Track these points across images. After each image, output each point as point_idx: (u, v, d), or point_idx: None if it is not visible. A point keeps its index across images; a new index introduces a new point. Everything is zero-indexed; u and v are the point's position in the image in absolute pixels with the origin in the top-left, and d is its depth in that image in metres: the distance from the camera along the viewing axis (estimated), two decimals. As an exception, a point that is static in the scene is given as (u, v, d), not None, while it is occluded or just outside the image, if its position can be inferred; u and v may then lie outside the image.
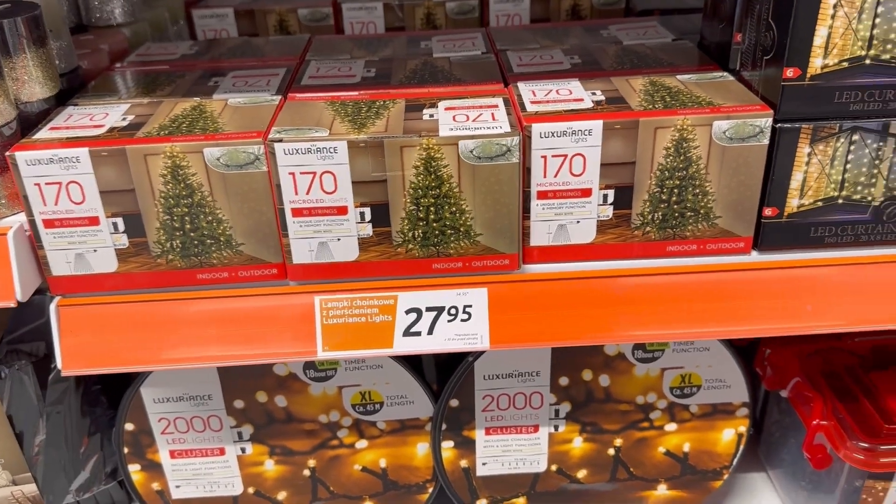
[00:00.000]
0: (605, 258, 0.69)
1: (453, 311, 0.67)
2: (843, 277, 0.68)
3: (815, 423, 0.81)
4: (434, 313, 0.67)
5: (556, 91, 0.69)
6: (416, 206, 0.65)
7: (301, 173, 0.63)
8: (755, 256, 0.69)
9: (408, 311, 0.67)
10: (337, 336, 0.67)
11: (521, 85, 0.71)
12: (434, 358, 0.92)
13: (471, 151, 0.62)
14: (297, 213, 0.65)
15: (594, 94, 0.68)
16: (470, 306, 0.67)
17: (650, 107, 0.65)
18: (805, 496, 0.92)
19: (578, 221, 0.67)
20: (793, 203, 0.67)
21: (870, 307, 0.68)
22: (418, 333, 0.67)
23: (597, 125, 0.63)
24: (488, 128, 0.62)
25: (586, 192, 0.66)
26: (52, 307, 0.66)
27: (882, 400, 0.83)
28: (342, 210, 0.65)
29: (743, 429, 0.87)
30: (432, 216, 0.65)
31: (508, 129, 0.62)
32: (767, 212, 0.67)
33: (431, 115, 0.66)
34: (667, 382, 0.84)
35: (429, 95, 0.71)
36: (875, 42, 0.61)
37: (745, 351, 0.95)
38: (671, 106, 0.65)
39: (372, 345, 0.67)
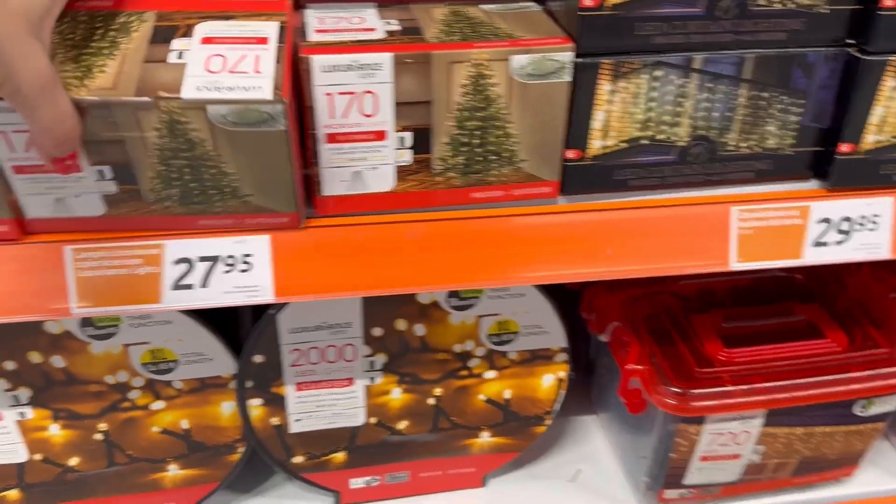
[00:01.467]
0: (407, 207, 0.64)
1: (230, 260, 0.61)
2: (645, 221, 0.65)
3: (628, 367, 0.80)
4: (208, 263, 0.60)
5: (348, 19, 0.62)
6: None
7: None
8: (561, 201, 0.66)
9: (177, 262, 0.60)
10: (97, 290, 0.59)
11: (309, 11, 0.64)
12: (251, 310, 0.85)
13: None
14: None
15: (389, 23, 0.62)
16: (251, 255, 0.61)
17: (446, 39, 0.59)
18: (629, 438, 0.93)
19: (375, 168, 0.61)
20: (596, 145, 0.63)
21: (671, 250, 0.66)
22: (189, 286, 0.60)
23: (386, 58, 0.57)
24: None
25: (380, 135, 0.60)
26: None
27: (698, 343, 0.84)
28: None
29: (563, 374, 0.85)
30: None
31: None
32: (570, 154, 0.64)
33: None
34: (484, 330, 0.81)
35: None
36: (676, -29, 0.58)
37: (576, 296, 0.94)
38: (470, 38, 0.59)
39: (134, 300, 0.59)
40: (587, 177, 0.64)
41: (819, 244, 0.69)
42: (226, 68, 0.55)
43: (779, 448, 0.85)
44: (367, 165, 0.61)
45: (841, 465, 0.91)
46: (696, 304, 0.92)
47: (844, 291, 0.93)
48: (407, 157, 0.61)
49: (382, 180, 0.62)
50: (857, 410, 0.84)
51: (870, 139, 0.65)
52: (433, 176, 0.63)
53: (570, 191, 0.65)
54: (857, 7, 0.61)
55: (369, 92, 0.58)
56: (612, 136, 0.63)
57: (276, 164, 0.57)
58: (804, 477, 0.90)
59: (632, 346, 0.82)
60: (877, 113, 0.64)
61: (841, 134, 0.65)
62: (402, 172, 0.62)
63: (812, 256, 0.69)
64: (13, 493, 0.80)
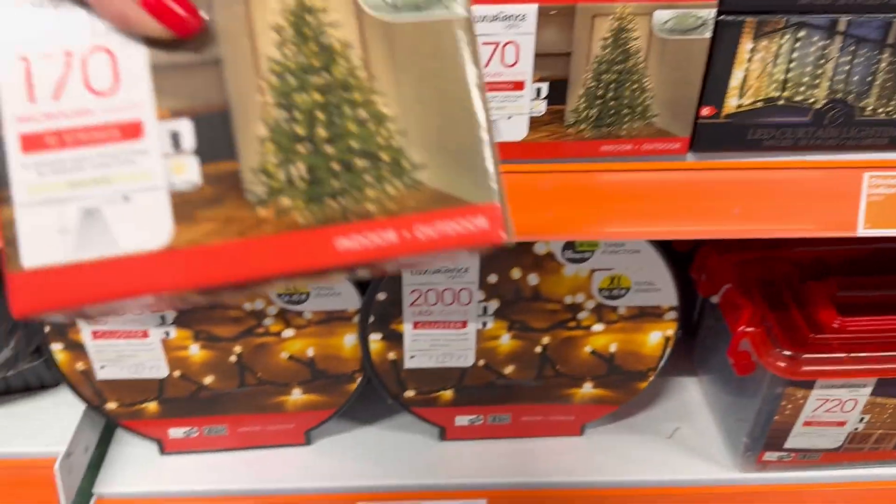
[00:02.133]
0: (537, 157, 0.66)
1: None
2: (775, 182, 0.66)
3: (740, 329, 0.81)
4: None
5: (493, -31, 0.64)
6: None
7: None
8: (689, 158, 0.67)
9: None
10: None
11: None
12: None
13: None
14: None
15: (533, -26, 0.63)
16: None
17: (590, -9, 0.60)
18: (730, 400, 0.94)
19: (510, 117, 0.64)
20: (731, 103, 0.64)
21: (799, 213, 0.66)
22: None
23: (531, 10, 0.59)
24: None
25: (519, 85, 0.62)
26: None
27: (812, 309, 0.84)
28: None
29: (671, 332, 0.87)
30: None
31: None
32: (705, 111, 0.64)
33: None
34: (596, 283, 0.83)
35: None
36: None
37: (686, 257, 0.95)
38: (613, -8, 0.60)
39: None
40: (720, 135, 0.65)
41: (953, 215, 0.67)
42: None
43: (885, 419, 0.85)
44: (502, 114, 0.63)
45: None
46: (811, 272, 0.91)
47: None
48: (541, 107, 0.63)
49: (515, 130, 0.64)
50: (974, 388, 0.83)
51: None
52: (565, 127, 0.65)
53: (700, 148, 0.66)
54: None
55: (511, 42, 0.60)
56: (748, 94, 0.64)
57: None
58: (909, 452, 0.90)
59: (744, 308, 0.83)
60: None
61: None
62: (535, 123, 0.64)
63: (946, 227, 0.68)
64: (152, 405, 0.88)
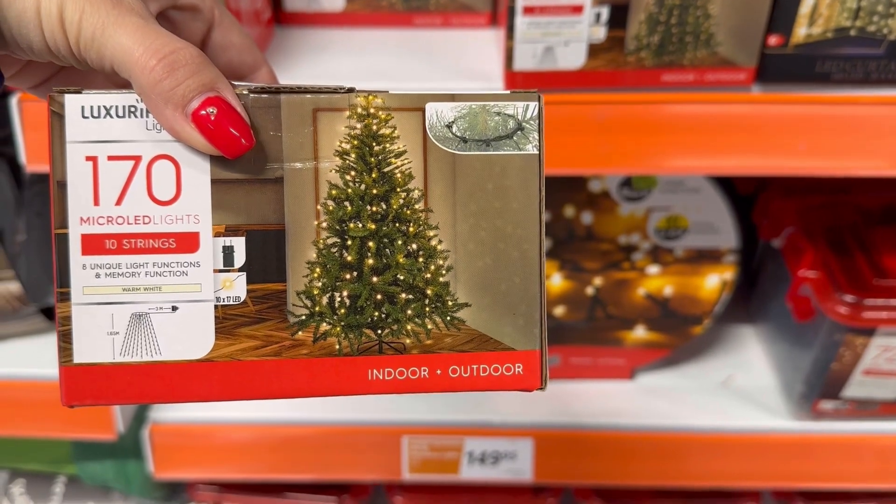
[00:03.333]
0: (595, 86, 0.64)
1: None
2: (844, 118, 0.63)
3: (801, 273, 0.78)
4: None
5: None
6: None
7: None
8: (755, 90, 0.64)
9: None
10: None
11: None
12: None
13: None
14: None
15: None
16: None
17: (655, -89, 0.58)
18: (788, 348, 0.92)
19: (567, 43, 0.62)
20: (800, 32, 0.61)
21: (867, 151, 0.64)
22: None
23: (592, -72, 0.57)
24: None
25: (577, 9, 0.60)
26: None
27: (877, 255, 0.81)
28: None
29: (729, 276, 0.85)
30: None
31: None
32: (772, 40, 0.62)
33: None
34: (652, 224, 0.81)
35: None
36: None
37: (748, 201, 0.92)
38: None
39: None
40: (787, 66, 0.62)
41: None
42: None
43: None
44: (559, 41, 0.62)
45: None
46: (878, 219, 0.88)
47: None
48: (601, 33, 0.62)
49: (573, 57, 0.63)
50: None
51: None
52: (625, 55, 0.63)
53: (766, 79, 0.64)
54: None
55: (571, -35, 0.58)
56: (819, 23, 0.61)
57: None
58: (975, 407, 0.86)
59: (806, 251, 0.80)
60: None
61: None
62: (594, 50, 0.62)
63: None
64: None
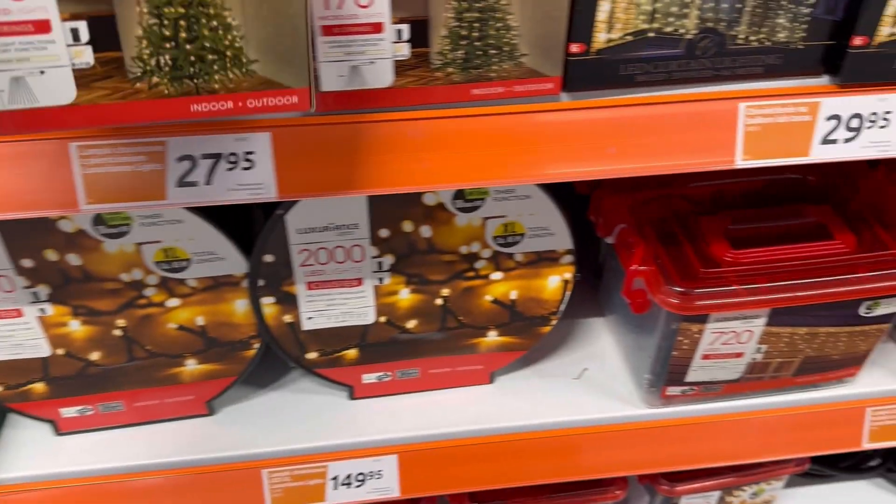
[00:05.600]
0: (407, 103, 0.63)
1: (233, 158, 0.61)
2: (650, 118, 0.65)
3: (633, 268, 0.81)
4: (211, 161, 0.61)
5: None
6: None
7: None
8: (563, 98, 0.65)
9: (180, 159, 0.61)
10: (104, 187, 0.60)
11: None
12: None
13: None
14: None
15: None
16: (252, 153, 0.61)
17: (444, -75, 0.58)
18: (633, 338, 0.95)
19: (373, 62, 0.61)
20: (601, 38, 0.62)
21: (676, 148, 0.66)
22: (194, 183, 0.61)
23: (380, -54, 0.56)
24: None
25: (377, 27, 0.59)
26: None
27: (705, 244, 0.84)
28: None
29: (568, 275, 0.86)
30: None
31: None
32: (574, 48, 0.62)
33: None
34: (490, 231, 0.81)
35: None
36: None
37: (586, 200, 0.94)
38: (468, -75, 0.58)
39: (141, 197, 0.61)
40: (592, 72, 0.63)
41: (827, 141, 0.67)
42: None
43: (782, 348, 0.87)
44: (364, 60, 0.60)
45: (844, 365, 0.92)
46: (708, 208, 0.92)
47: (857, 194, 0.92)
48: (405, 50, 0.61)
49: (381, 75, 0.61)
50: (862, 311, 0.84)
51: (884, 31, 0.63)
52: (433, 71, 0.62)
53: (574, 87, 0.64)
54: None
55: (365, -17, 0.57)
56: (617, 28, 0.62)
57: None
58: (807, 377, 0.92)
59: (637, 247, 0.82)
60: (893, 3, 0.61)
61: (854, 26, 0.63)
62: (401, 67, 0.61)
63: (820, 154, 0.68)
64: (39, 386, 0.84)
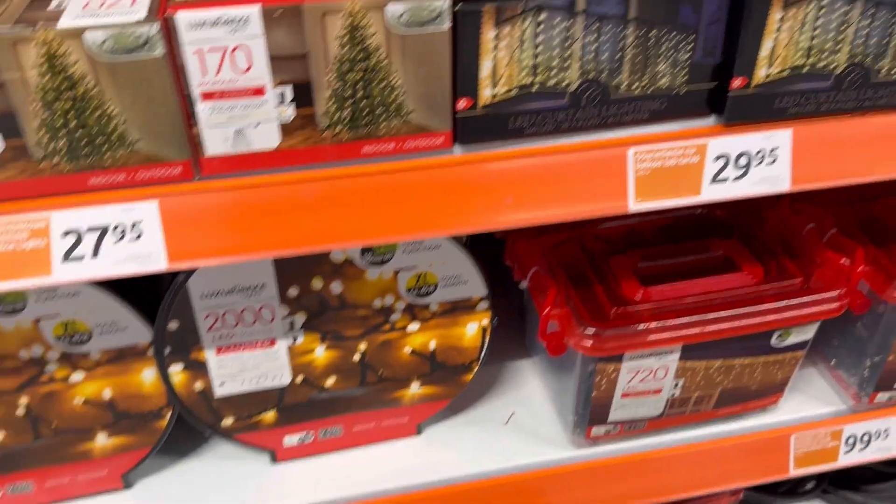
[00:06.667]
0: (296, 164, 0.63)
1: (120, 229, 0.60)
2: (543, 167, 0.65)
3: (546, 311, 0.81)
4: (97, 234, 0.60)
5: (219, -27, 0.61)
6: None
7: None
8: (456, 151, 0.66)
9: (65, 234, 0.59)
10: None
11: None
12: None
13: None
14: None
15: (262, -25, 0.60)
16: (140, 222, 0.60)
17: (319, -11, 0.58)
18: (556, 380, 0.95)
19: (257, 125, 0.60)
20: (486, 93, 0.63)
21: (570, 195, 0.66)
22: (80, 258, 0.60)
23: (254, 12, 0.56)
24: None
25: (259, 91, 0.59)
26: None
27: (615, 284, 0.85)
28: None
29: (486, 322, 0.86)
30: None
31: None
32: (461, 104, 0.63)
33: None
34: (402, 284, 0.81)
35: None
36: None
37: (500, 244, 0.95)
38: (344, -13, 0.58)
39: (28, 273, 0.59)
40: (481, 125, 0.64)
41: (718, 180, 0.69)
42: (104, 6, 0.56)
43: (699, 381, 0.87)
44: (248, 123, 0.60)
45: (764, 394, 0.93)
46: (621, 246, 0.93)
47: (764, 225, 0.94)
48: (289, 112, 0.60)
49: (266, 137, 0.61)
50: (774, 341, 0.86)
51: (762, 73, 0.65)
52: (320, 131, 0.62)
53: (465, 140, 0.65)
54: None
55: (240, 47, 0.57)
56: (502, 83, 0.63)
57: (161, 98, 0.57)
58: (729, 408, 0.93)
59: (549, 289, 0.83)
60: (766, 45, 0.63)
61: (732, 69, 0.65)
62: (287, 129, 0.61)
63: (711, 193, 0.69)
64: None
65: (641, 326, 0.79)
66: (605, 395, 0.85)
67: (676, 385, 0.87)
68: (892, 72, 0.67)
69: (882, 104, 0.69)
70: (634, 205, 0.68)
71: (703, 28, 0.64)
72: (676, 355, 0.83)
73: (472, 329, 0.86)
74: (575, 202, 0.67)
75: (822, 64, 0.65)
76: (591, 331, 0.79)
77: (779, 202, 0.95)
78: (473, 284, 0.83)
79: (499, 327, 0.87)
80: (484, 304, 0.85)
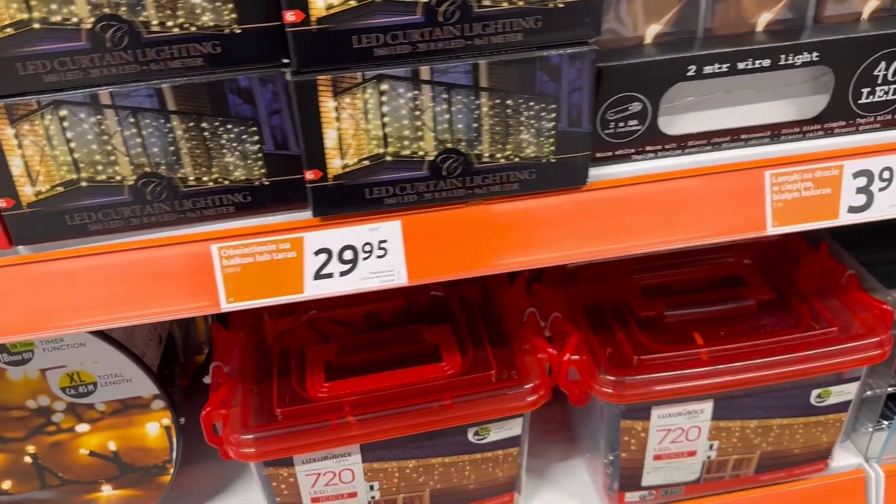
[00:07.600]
0: None
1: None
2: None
3: (205, 412, 0.75)
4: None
5: None
6: None
7: None
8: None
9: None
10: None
11: None
12: None
13: None
14: None
15: None
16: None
17: None
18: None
19: None
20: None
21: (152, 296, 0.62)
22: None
23: None
24: None
25: None
26: None
27: (298, 379, 0.79)
28: None
29: (167, 421, 0.80)
30: None
31: None
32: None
33: None
34: (54, 383, 0.76)
35: None
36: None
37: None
38: None
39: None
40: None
41: (321, 276, 0.63)
42: None
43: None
44: None
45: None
46: (363, 328, 0.88)
47: (492, 308, 0.88)
48: None
49: None
50: (472, 437, 0.79)
51: (336, 164, 0.60)
52: None
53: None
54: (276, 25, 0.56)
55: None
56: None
57: None
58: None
59: (222, 387, 0.77)
60: (330, 135, 0.58)
61: (304, 161, 0.60)
62: None
63: (315, 290, 0.64)
64: None
65: (310, 426, 0.73)
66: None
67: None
68: (497, 156, 0.62)
69: (495, 191, 0.63)
70: (226, 305, 0.63)
71: (265, 123, 0.59)
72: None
73: (154, 429, 0.81)
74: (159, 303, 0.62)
75: (406, 152, 0.60)
76: (249, 437, 0.72)
77: (511, 286, 0.89)
78: (140, 383, 0.78)
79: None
80: (159, 403, 0.79)
